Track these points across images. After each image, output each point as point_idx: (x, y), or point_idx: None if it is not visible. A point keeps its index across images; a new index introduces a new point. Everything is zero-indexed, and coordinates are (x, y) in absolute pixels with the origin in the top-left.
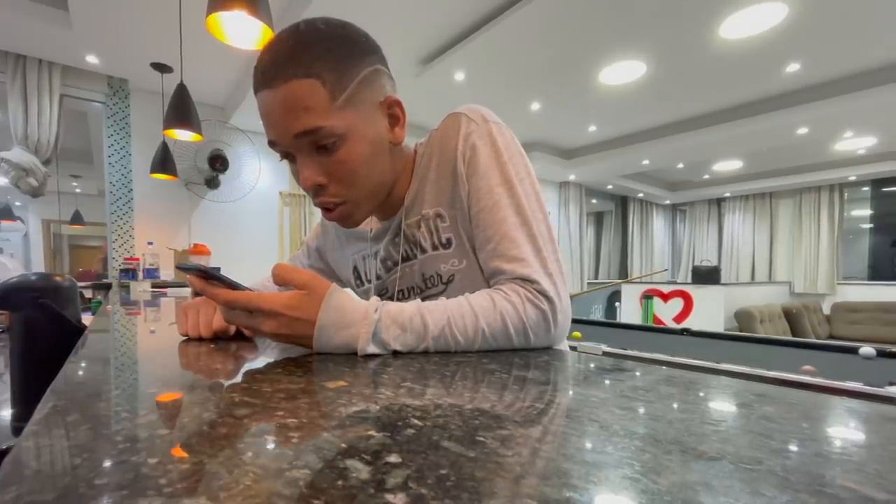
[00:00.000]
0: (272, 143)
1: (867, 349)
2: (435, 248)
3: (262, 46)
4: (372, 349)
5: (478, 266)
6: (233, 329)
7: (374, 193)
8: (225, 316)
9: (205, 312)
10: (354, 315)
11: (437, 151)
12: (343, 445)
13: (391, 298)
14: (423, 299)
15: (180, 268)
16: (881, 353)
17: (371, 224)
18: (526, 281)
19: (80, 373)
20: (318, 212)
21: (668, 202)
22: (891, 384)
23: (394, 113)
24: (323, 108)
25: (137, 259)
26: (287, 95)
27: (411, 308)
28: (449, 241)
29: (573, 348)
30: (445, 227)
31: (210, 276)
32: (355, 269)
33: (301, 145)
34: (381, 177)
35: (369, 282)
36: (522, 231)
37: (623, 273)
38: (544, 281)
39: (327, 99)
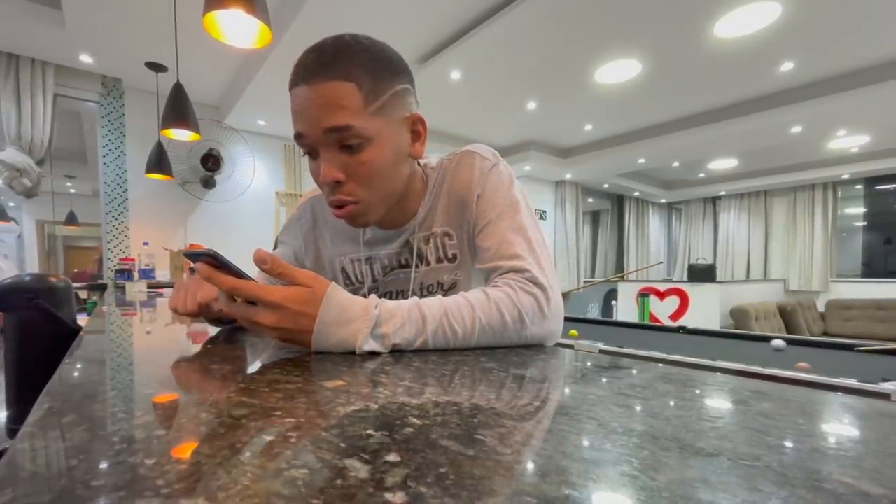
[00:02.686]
0: (299, 136)
1: (778, 341)
2: (440, 261)
3: (261, 43)
4: (370, 346)
5: (476, 280)
6: (217, 307)
7: (385, 199)
8: (225, 306)
9: (193, 287)
10: (354, 311)
11: (450, 179)
12: (342, 445)
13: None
14: None
15: (188, 255)
16: (876, 350)
17: (364, 229)
18: (518, 272)
19: (76, 374)
20: None
21: (663, 201)
22: (884, 380)
23: (417, 129)
24: (356, 109)
25: (133, 259)
26: (325, 93)
27: (409, 303)
28: (454, 257)
29: (570, 346)
30: (452, 244)
31: (220, 263)
32: (343, 270)
33: (328, 141)
34: (395, 185)
35: (360, 283)
36: (519, 233)
37: (620, 272)
38: (535, 271)
39: (361, 103)
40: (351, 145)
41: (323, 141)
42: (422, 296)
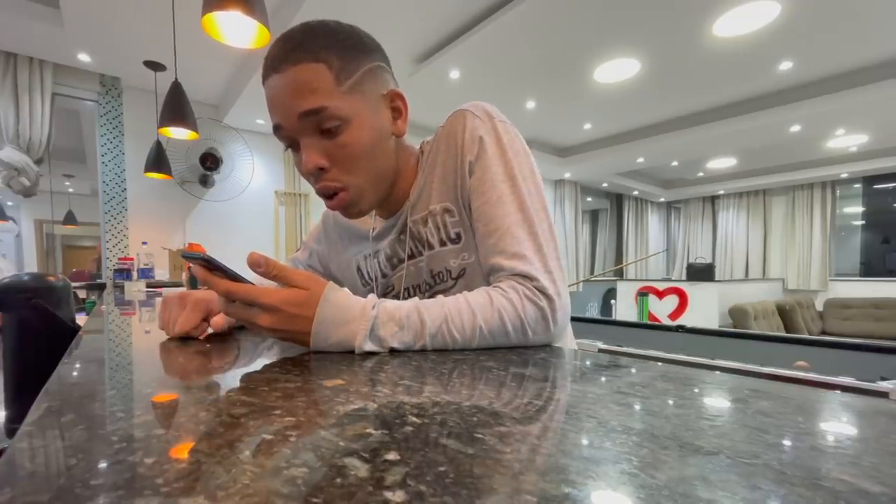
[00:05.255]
0: (277, 128)
1: None
2: (443, 243)
3: (259, 44)
4: (369, 346)
5: None
6: (200, 331)
7: (375, 182)
8: (223, 307)
9: (175, 311)
10: (352, 312)
11: (442, 148)
12: (341, 443)
13: (397, 296)
14: (432, 295)
15: (185, 256)
16: (872, 348)
17: (374, 224)
18: (525, 278)
19: (75, 373)
20: (313, 211)
21: (662, 200)
22: (882, 379)
23: (396, 106)
24: (328, 90)
25: (132, 259)
26: (295, 77)
27: (409, 305)
28: (458, 236)
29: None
30: (454, 221)
31: (214, 266)
32: (359, 269)
33: (305, 127)
34: (382, 166)
35: (373, 280)
36: (524, 228)
37: (618, 271)
38: (543, 278)
39: (333, 82)
40: (330, 129)
41: (300, 128)
42: (434, 284)
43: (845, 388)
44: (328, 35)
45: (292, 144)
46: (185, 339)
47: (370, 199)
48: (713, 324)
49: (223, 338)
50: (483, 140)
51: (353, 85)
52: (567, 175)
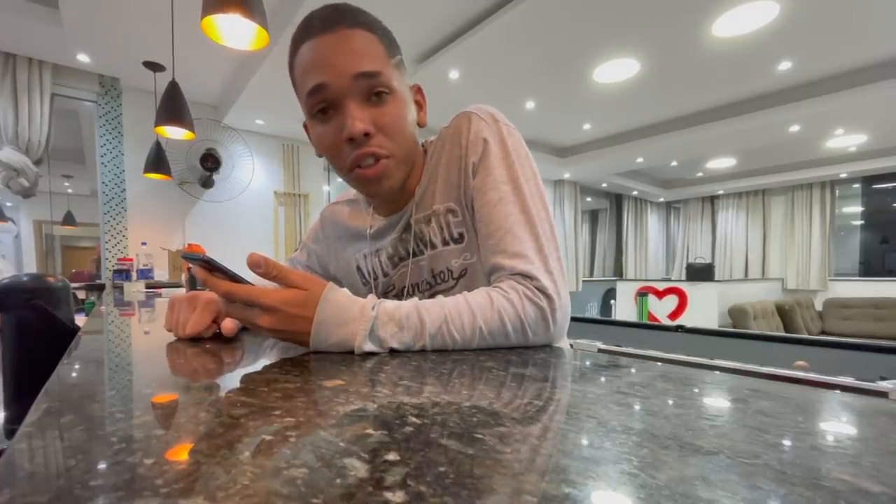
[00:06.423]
0: (319, 88)
1: None
2: (445, 243)
3: (258, 45)
4: (369, 347)
5: None
6: (209, 332)
7: (406, 159)
8: (224, 308)
9: (185, 312)
10: (352, 312)
11: (447, 148)
12: (341, 444)
13: (398, 295)
14: (433, 295)
15: (185, 257)
16: (871, 348)
17: (370, 222)
18: (525, 277)
19: (74, 374)
20: (313, 211)
21: (662, 200)
22: (882, 379)
23: (418, 100)
24: (383, 59)
25: (131, 259)
26: (353, 39)
27: (408, 306)
28: (461, 236)
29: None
30: (457, 221)
31: (214, 268)
32: (358, 268)
33: (355, 89)
34: (413, 147)
35: (375, 279)
36: (525, 228)
37: (619, 271)
38: (544, 278)
39: (385, 53)
40: (379, 93)
41: (350, 89)
42: (434, 284)
43: (845, 388)
44: (370, 15)
45: (329, 108)
46: (191, 339)
47: (401, 176)
48: (713, 324)
49: (223, 338)
50: (487, 142)
51: (396, 63)
52: (566, 175)
